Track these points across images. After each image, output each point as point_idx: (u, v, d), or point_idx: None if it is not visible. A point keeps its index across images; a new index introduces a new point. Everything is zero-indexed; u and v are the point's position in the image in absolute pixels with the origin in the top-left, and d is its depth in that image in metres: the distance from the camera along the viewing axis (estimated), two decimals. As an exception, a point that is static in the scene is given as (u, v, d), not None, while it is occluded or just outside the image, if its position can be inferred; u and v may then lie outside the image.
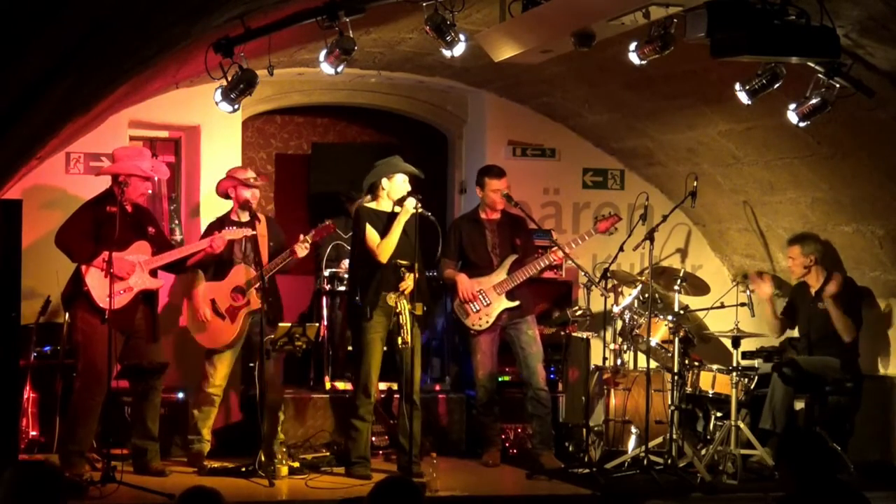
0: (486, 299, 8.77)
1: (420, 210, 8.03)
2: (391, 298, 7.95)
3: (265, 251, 8.45)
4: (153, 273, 8.15)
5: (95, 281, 7.93)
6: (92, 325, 7.93)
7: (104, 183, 8.21)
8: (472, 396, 9.26)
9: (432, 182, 9.93)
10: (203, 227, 8.79)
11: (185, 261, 8.31)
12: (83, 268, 7.96)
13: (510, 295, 8.77)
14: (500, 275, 8.79)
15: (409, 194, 8.15)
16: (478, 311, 8.78)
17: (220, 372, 8.47)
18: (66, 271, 8.10)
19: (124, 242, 7.97)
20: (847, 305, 8.71)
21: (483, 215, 8.93)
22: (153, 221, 8.41)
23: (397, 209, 8.18)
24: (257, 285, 8.25)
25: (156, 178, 9.37)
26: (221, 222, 8.52)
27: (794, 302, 9.17)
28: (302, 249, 8.33)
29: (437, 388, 9.38)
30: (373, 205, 8.25)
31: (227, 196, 8.57)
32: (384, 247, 8.13)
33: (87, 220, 8.03)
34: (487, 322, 8.77)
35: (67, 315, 8.26)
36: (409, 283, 8.00)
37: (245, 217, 8.51)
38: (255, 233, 8.39)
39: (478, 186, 8.95)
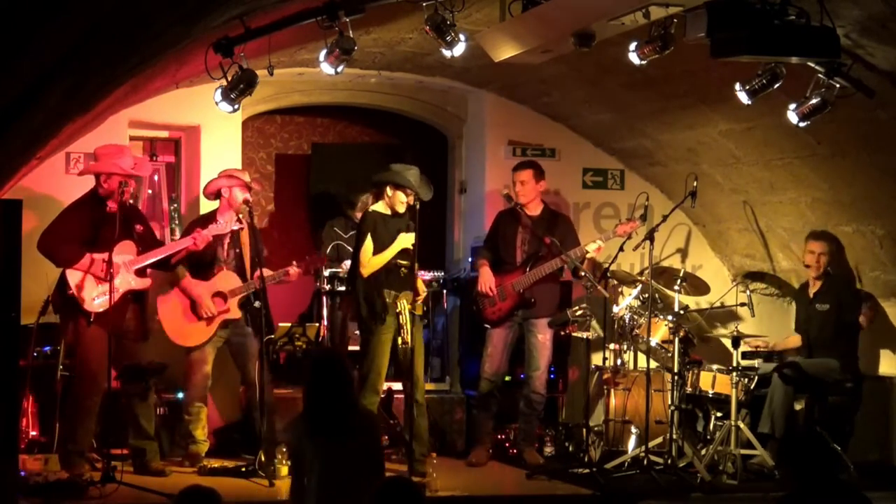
0: (503, 294, 8.79)
1: (412, 247, 8.04)
2: (389, 295, 7.99)
3: (248, 259, 8.47)
4: (140, 272, 8.12)
5: (81, 284, 7.89)
6: (81, 328, 7.91)
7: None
8: (472, 396, 9.26)
9: (432, 182, 9.92)
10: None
11: (170, 259, 8.27)
12: (67, 271, 7.92)
13: (526, 293, 8.78)
14: (520, 272, 8.81)
15: (409, 229, 8.14)
16: (494, 306, 8.81)
17: (200, 372, 8.47)
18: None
19: (111, 243, 7.94)
20: (848, 306, 8.72)
21: (523, 210, 8.95)
22: (141, 219, 8.33)
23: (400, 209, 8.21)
24: (241, 295, 8.33)
25: (156, 178, 9.38)
26: (206, 221, 8.49)
27: (797, 305, 9.18)
28: (294, 274, 8.50)
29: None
30: (379, 207, 8.24)
31: (216, 196, 8.55)
32: (372, 264, 8.13)
33: (70, 224, 7.97)
34: (500, 317, 8.81)
35: (59, 319, 8.19)
36: (421, 289, 8.14)
37: (232, 220, 8.50)
38: (242, 227, 8.39)
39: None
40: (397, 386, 8.68)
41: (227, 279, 8.43)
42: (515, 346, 8.95)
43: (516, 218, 8.96)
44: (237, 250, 8.47)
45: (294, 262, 8.50)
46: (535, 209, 8.93)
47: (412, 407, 8.06)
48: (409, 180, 8.15)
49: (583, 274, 8.70)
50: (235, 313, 8.39)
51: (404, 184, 8.15)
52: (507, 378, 9.16)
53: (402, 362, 8.13)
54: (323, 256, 8.68)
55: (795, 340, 9.09)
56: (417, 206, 8.05)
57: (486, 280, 8.84)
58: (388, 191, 8.18)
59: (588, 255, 8.76)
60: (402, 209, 8.18)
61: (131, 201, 8.27)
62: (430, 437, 8.56)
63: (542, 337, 8.83)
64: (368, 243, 8.14)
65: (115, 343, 7.96)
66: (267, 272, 8.39)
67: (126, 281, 7.99)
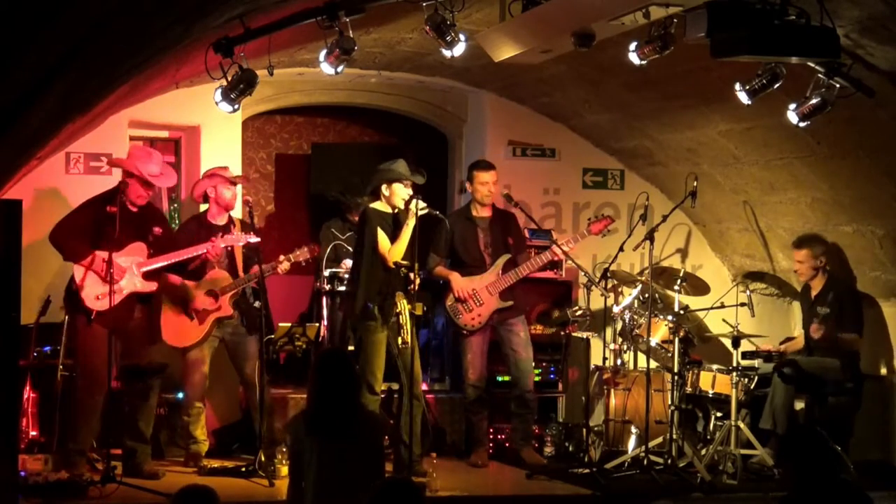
0: (479, 299, 8.74)
1: (426, 210, 8.00)
2: (400, 297, 7.97)
3: (239, 258, 8.46)
4: (148, 276, 8.08)
5: (85, 281, 7.89)
6: (81, 325, 7.93)
7: (103, 183, 8.19)
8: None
9: (432, 182, 9.91)
10: None
11: (184, 265, 8.24)
12: (75, 267, 7.93)
13: (504, 295, 8.75)
14: (493, 274, 8.76)
15: (412, 196, 8.10)
16: (471, 311, 8.75)
17: (198, 372, 8.47)
18: (66, 272, 8.08)
19: (120, 243, 7.94)
20: (848, 313, 8.70)
21: (474, 212, 8.89)
22: (160, 221, 8.32)
23: (399, 209, 8.16)
24: (232, 293, 8.31)
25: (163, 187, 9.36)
26: (199, 222, 8.49)
27: (801, 304, 9.17)
28: (282, 269, 8.42)
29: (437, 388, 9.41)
30: (377, 206, 8.21)
31: (205, 198, 8.55)
32: (394, 251, 8.09)
33: (84, 219, 7.99)
34: (480, 323, 8.75)
35: (66, 315, 8.22)
36: (416, 283, 8.01)
37: (222, 220, 8.50)
38: (259, 240, 8.35)
39: (467, 182, 8.93)
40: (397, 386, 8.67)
41: (218, 277, 8.42)
42: (492, 346, 8.88)
43: (471, 221, 8.90)
44: (228, 249, 8.45)
45: (281, 256, 8.42)
46: (489, 210, 8.91)
47: (411, 408, 8.06)
48: (399, 171, 8.13)
49: (584, 273, 8.70)
50: (227, 311, 8.39)
51: (395, 177, 8.12)
52: (506, 378, 9.15)
53: (404, 362, 8.12)
54: (314, 246, 8.63)
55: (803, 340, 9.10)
56: (423, 209, 8.01)
57: (462, 286, 8.73)
58: (385, 190, 8.16)
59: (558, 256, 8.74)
60: (401, 204, 8.12)
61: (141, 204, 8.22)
62: (430, 435, 8.57)
63: (524, 334, 8.81)
64: (382, 235, 8.09)
65: (121, 344, 7.96)
66: (256, 268, 8.39)
67: (132, 283, 7.99)
